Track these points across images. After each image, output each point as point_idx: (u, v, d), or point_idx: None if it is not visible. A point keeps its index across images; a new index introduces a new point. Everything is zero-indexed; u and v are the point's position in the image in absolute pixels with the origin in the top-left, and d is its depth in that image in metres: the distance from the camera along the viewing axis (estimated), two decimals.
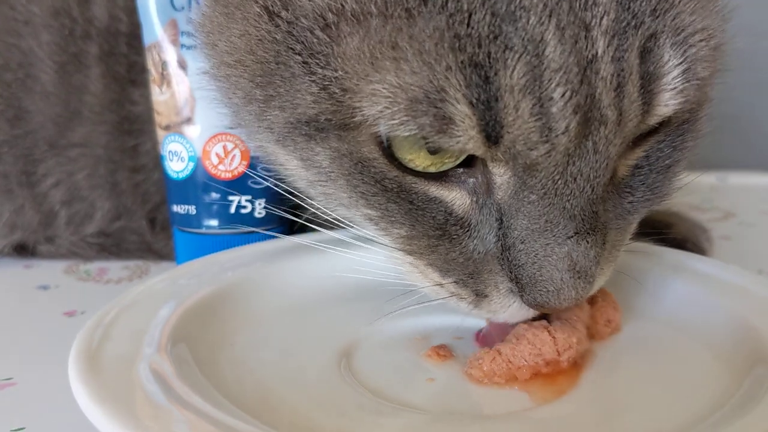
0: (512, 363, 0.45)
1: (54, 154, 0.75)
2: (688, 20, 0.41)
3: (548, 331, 0.45)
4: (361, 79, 0.40)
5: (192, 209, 0.66)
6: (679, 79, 0.40)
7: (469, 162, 0.43)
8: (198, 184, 0.65)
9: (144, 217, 0.76)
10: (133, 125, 0.74)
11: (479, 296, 0.45)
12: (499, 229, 0.43)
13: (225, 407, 0.39)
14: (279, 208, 0.63)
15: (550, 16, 0.37)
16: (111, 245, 0.77)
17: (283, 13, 0.42)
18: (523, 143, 0.39)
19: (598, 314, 0.49)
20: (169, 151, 0.66)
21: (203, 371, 0.43)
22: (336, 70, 0.40)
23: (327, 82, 0.41)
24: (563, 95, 0.38)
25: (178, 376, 0.41)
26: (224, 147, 0.64)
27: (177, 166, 0.65)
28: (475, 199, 0.43)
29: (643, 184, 0.46)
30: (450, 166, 0.42)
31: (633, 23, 0.39)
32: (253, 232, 0.66)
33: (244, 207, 0.65)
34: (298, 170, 0.48)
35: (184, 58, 0.63)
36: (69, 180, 0.75)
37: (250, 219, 0.66)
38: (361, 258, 0.50)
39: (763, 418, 0.36)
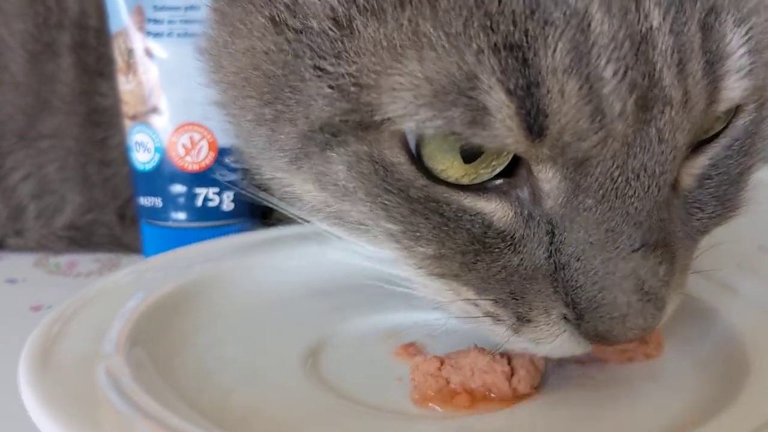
0: (453, 392, 0.43)
1: (23, 146, 0.74)
2: None
3: (507, 379, 0.43)
4: (380, 73, 0.36)
5: (158, 202, 0.65)
6: (745, 59, 0.36)
7: (509, 172, 0.38)
8: (164, 175, 0.65)
9: (114, 211, 0.76)
10: (101, 117, 0.73)
11: (521, 320, 0.39)
12: (551, 243, 0.37)
13: (182, 412, 0.38)
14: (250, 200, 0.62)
15: None
16: (81, 238, 0.76)
17: (291, 21, 0.39)
18: (572, 132, 0.34)
19: (652, 335, 0.46)
20: (136, 142, 0.65)
21: (162, 372, 0.43)
22: (350, 66, 0.37)
23: (340, 80, 0.37)
24: (615, 73, 0.33)
25: (134, 379, 0.40)
26: (191, 138, 0.64)
27: (143, 157, 0.65)
28: (519, 211, 0.38)
29: (714, 197, 0.41)
30: (486, 177, 0.38)
31: None
32: (221, 225, 0.66)
33: (211, 200, 0.65)
34: (315, 194, 0.44)
35: (151, 46, 0.63)
36: (39, 173, 0.75)
37: (217, 212, 0.66)
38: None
39: (734, 420, 0.36)
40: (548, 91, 0.33)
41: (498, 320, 0.40)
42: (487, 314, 0.40)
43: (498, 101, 0.33)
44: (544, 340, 0.39)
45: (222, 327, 0.51)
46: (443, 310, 0.44)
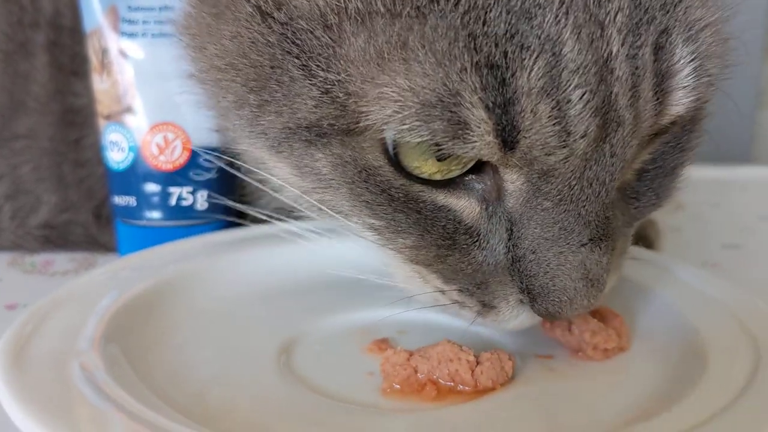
0: (420, 383, 0.44)
1: None
2: (698, 15, 0.40)
3: (471, 369, 0.44)
4: (367, 81, 0.38)
5: (132, 201, 0.66)
6: (692, 76, 0.40)
7: (478, 168, 0.41)
8: (138, 175, 0.65)
9: (90, 211, 0.75)
10: (76, 117, 0.73)
11: (486, 306, 0.44)
12: (509, 239, 0.42)
13: (156, 406, 0.39)
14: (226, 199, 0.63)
15: (567, 13, 0.36)
16: (56, 237, 0.76)
17: (276, 14, 0.41)
18: (541, 148, 0.38)
19: (622, 329, 0.48)
20: (110, 141, 0.65)
21: (137, 369, 0.43)
22: (339, 73, 0.39)
23: (329, 86, 0.39)
24: (582, 97, 0.37)
25: (109, 375, 0.40)
26: (165, 137, 0.64)
27: (117, 157, 0.65)
28: (484, 206, 0.42)
29: (649, 188, 0.45)
30: (457, 173, 0.41)
31: (645, 19, 0.38)
32: (195, 224, 0.66)
33: (185, 199, 0.65)
34: (291, 178, 0.46)
35: (125, 46, 0.63)
36: (13, 173, 0.74)
37: (191, 211, 0.66)
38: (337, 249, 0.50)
39: (687, 412, 0.37)
40: (522, 110, 0.36)
41: (464, 306, 0.44)
42: (454, 301, 0.44)
43: (478, 117, 0.36)
44: (507, 321, 0.44)
45: (196, 324, 0.51)
46: (414, 299, 0.47)
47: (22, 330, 0.43)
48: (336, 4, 0.38)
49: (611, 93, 0.37)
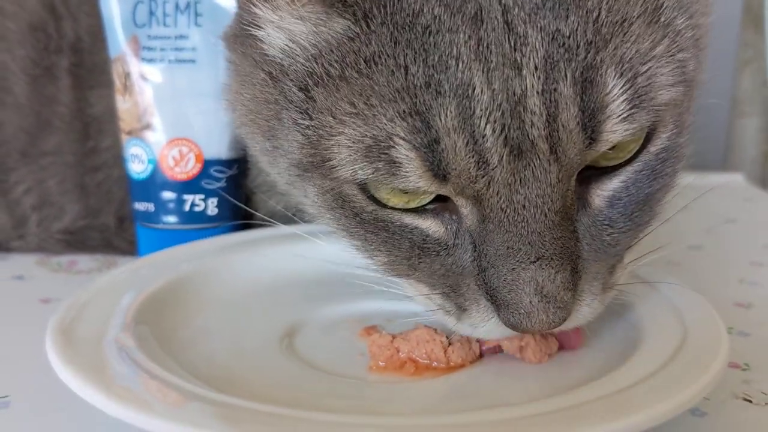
0: (401, 360, 0.50)
1: (26, 162, 0.77)
2: (634, 48, 0.41)
3: (443, 349, 0.49)
4: (329, 131, 0.44)
5: (151, 207, 0.70)
6: (625, 106, 0.41)
7: (442, 197, 0.45)
8: (156, 184, 0.70)
9: (111, 214, 0.78)
10: (91, 127, 0.77)
11: (460, 309, 0.47)
12: (474, 251, 0.45)
13: (180, 374, 0.44)
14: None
15: (477, 60, 0.40)
16: (76, 241, 0.79)
17: (281, 77, 0.47)
18: (466, 177, 0.42)
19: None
20: (131, 154, 0.70)
21: (162, 347, 0.48)
22: (312, 121, 0.45)
23: (306, 130, 0.46)
24: (494, 131, 0.41)
25: (139, 349, 0.46)
26: (180, 151, 0.69)
27: (137, 168, 0.70)
28: (449, 227, 0.46)
29: (623, 215, 0.45)
30: (426, 201, 0.45)
31: (566, 57, 0.40)
32: (206, 228, 0.71)
33: (198, 205, 0.70)
34: (305, 206, 0.53)
35: (145, 70, 0.68)
36: (40, 186, 0.78)
37: (203, 216, 0.70)
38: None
39: (613, 381, 0.43)
40: (445, 147, 0.42)
41: (447, 311, 0.48)
42: (439, 306, 0.48)
43: (404, 156, 0.42)
44: (479, 324, 0.47)
45: (211, 314, 0.56)
46: (405, 295, 0.51)
47: (65, 316, 0.49)
48: (307, 71, 0.45)
49: (524, 125, 0.41)
